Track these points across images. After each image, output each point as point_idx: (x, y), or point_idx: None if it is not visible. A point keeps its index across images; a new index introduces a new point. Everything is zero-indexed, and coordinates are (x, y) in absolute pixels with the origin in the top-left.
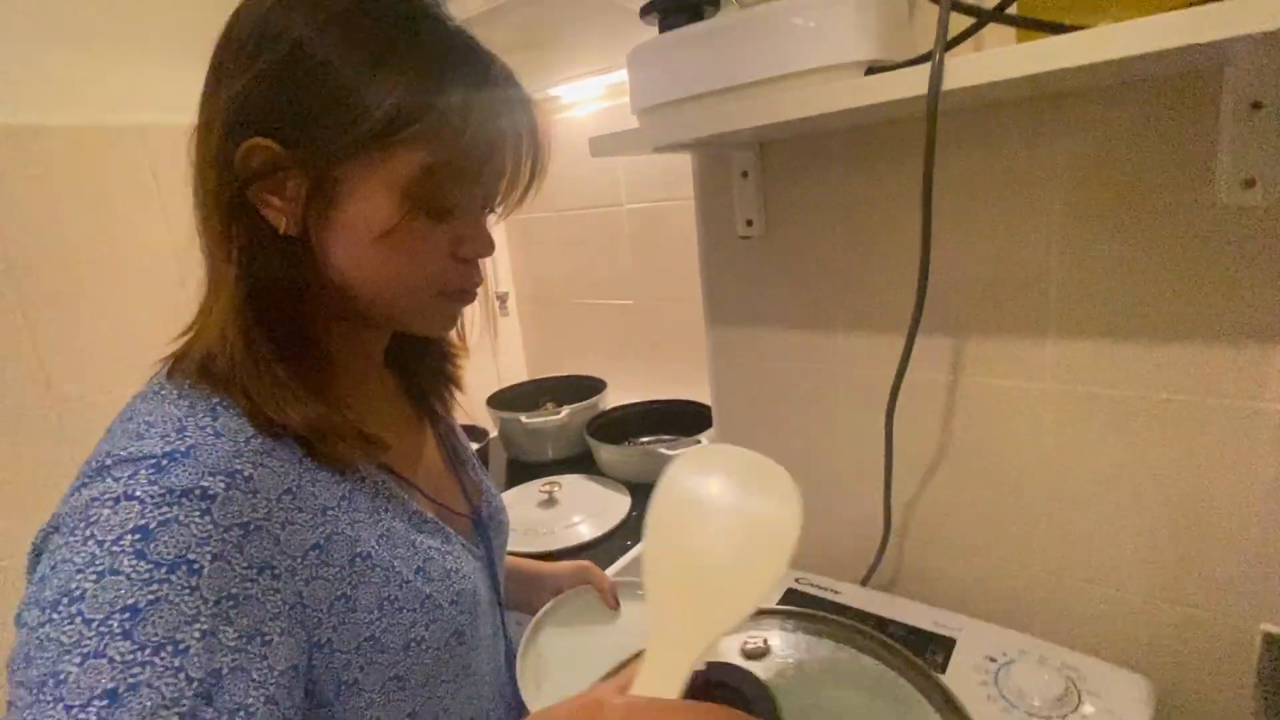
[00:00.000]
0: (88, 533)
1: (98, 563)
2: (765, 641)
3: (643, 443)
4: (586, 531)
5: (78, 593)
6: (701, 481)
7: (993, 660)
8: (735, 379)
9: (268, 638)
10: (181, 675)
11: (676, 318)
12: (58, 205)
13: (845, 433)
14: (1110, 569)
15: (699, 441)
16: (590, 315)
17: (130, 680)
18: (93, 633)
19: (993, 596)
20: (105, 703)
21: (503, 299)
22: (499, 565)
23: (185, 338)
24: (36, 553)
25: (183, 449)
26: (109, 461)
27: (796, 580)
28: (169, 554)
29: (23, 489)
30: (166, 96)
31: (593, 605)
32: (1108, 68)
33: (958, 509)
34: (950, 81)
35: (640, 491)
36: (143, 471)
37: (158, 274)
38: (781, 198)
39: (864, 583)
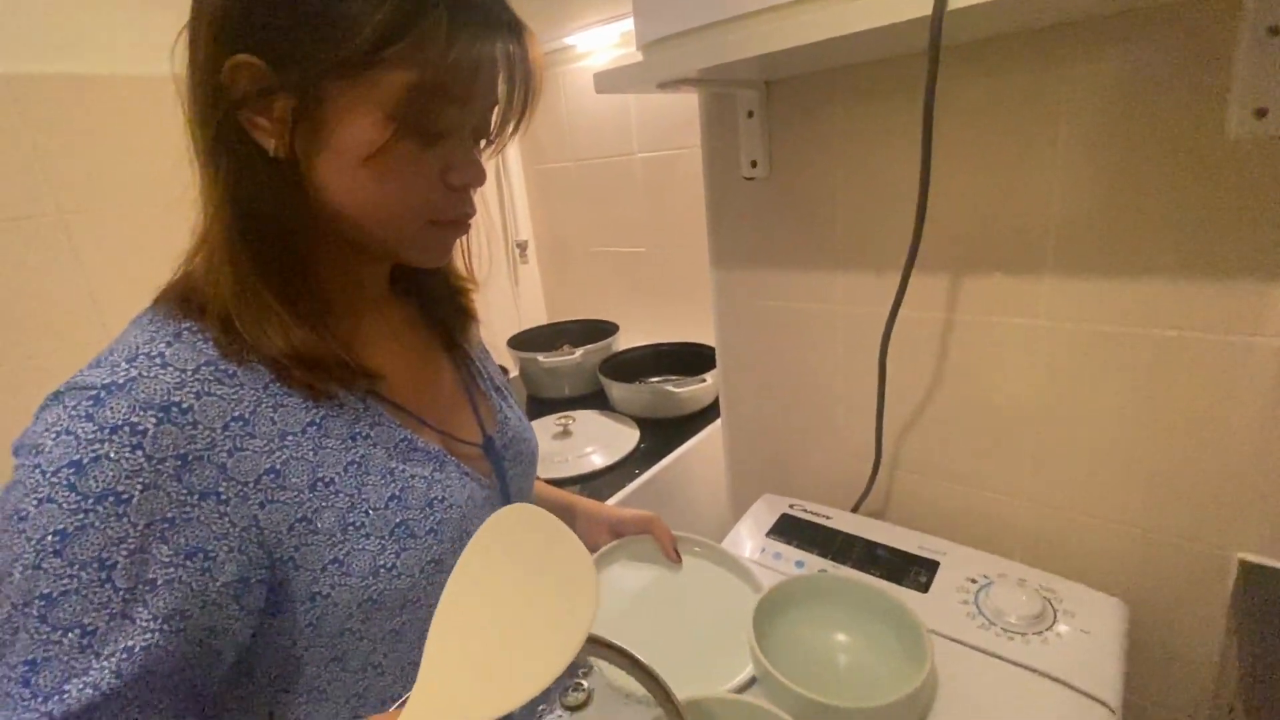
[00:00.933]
0: (36, 461)
1: (39, 490)
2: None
3: (651, 382)
4: (598, 460)
5: (23, 512)
6: (512, 553)
7: (973, 581)
8: (737, 318)
9: (211, 554)
10: (109, 585)
11: (685, 263)
12: (107, 150)
13: (843, 368)
14: (1094, 499)
15: (704, 380)
16: (604, 262)
17: (62, 588)
18: (32, 549)
19: (978, 524)
20: (43, 603)
21: (522, 247)
22: (518, 494)
23: (181, 264)
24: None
25: (120, 381)
26: (64, 388)
27: (790, 506)
28: (96, 488)
29: None
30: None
31: (653, 554)
32: None
33: (947, 441)
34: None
35: (648, 426)
36: (82, 404)
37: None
38: (786, 138)
39: (855, 509)
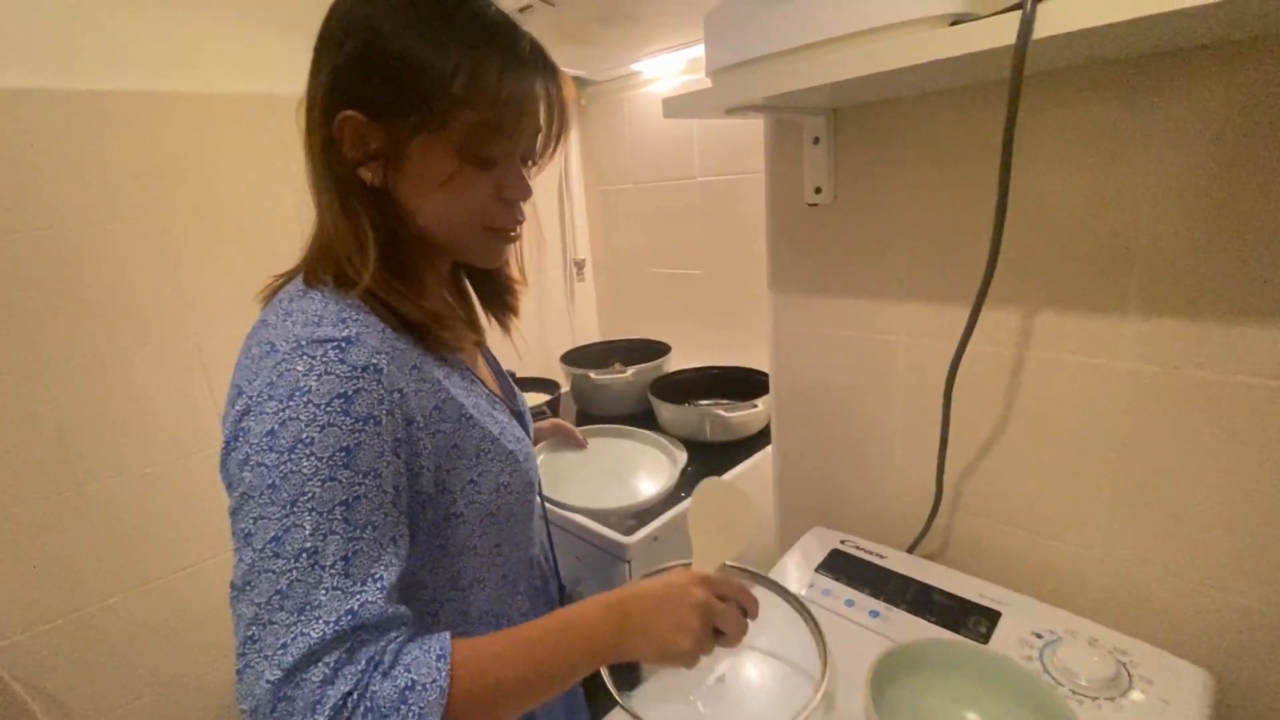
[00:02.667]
0: (306, 399)
1: (319, 419)
2: None
3: (701, 405)
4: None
5: (308, 439)
6: (712, 495)
7: (1039, 636)
8: (795, 345)
9: (415, 471)
10: (381, 490)
11: (740, 288)
12: (197, 162)
13: (903, 401)
14: (1175, 556)
15: (755, 406)
16: (659, 283)
17: (355, 494)
18: (325, 465)
19: (1044, 574)
20: (344, 509)
21: (580, 265)
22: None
23: (302, 260)
24: (242, 413)
25: (353, 335)
26: (302, 343)
27: (842, 542)
28: (363, 412)
29: (166, 405)
30: (290, 69)
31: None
32: (1225, 11)
33: (1014, 484)
34: (1045, 28)
35: (695, 449)
36: (330, 351)
37: (281, 223)
38: (852, 165)
39: (910, 550)
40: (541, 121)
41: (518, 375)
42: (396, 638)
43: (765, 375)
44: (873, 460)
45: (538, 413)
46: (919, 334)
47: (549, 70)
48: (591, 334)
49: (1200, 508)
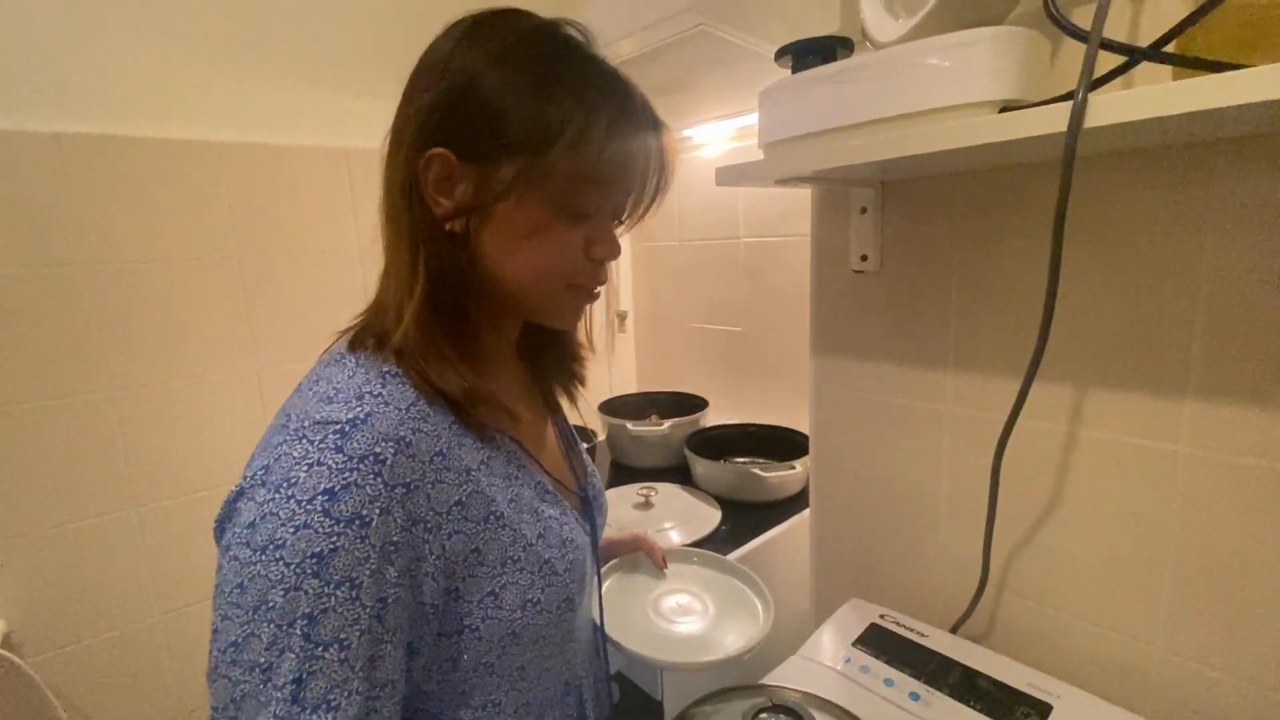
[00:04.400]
0: (289, 492)
1: (295, 518)
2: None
3: (737, 462)
4: (676, 537)
5: (280, 540)
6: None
7: None
8: (837, 409)
9: (417, 578)
10: (358, 603)
11: (780, 346)
12: (273, 208)
13: (946, 472)
14: (1244, 658)
15: (793, 468)
16: (700, 338)
17: (321, 607)
18: (291, 573)
19: (1100, 667)
20: (305, 623)
21: (622, 317)
22: (599, 541)
23: (363, 315)
24: (238, 493)
25: (361, 416)
26: (306, 424)
27: (881, 616)
28: (346, 512)
29: (224, 432)
30: (363, 126)
31: (645, 564)
32: (1271, 109)
33: (1067, 568)
34: (1095, 118)
35: (731, 507)
36: (330, 437)
37: (346, 268)
38: (898, 235)
39: (954, 630)
40: (639, 179)
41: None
42: None
43: (804, 436)
44: (915, 532)
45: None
46: (966, 405)
47: (657, 127)
48: (630, 384)
49: (1270, 609)
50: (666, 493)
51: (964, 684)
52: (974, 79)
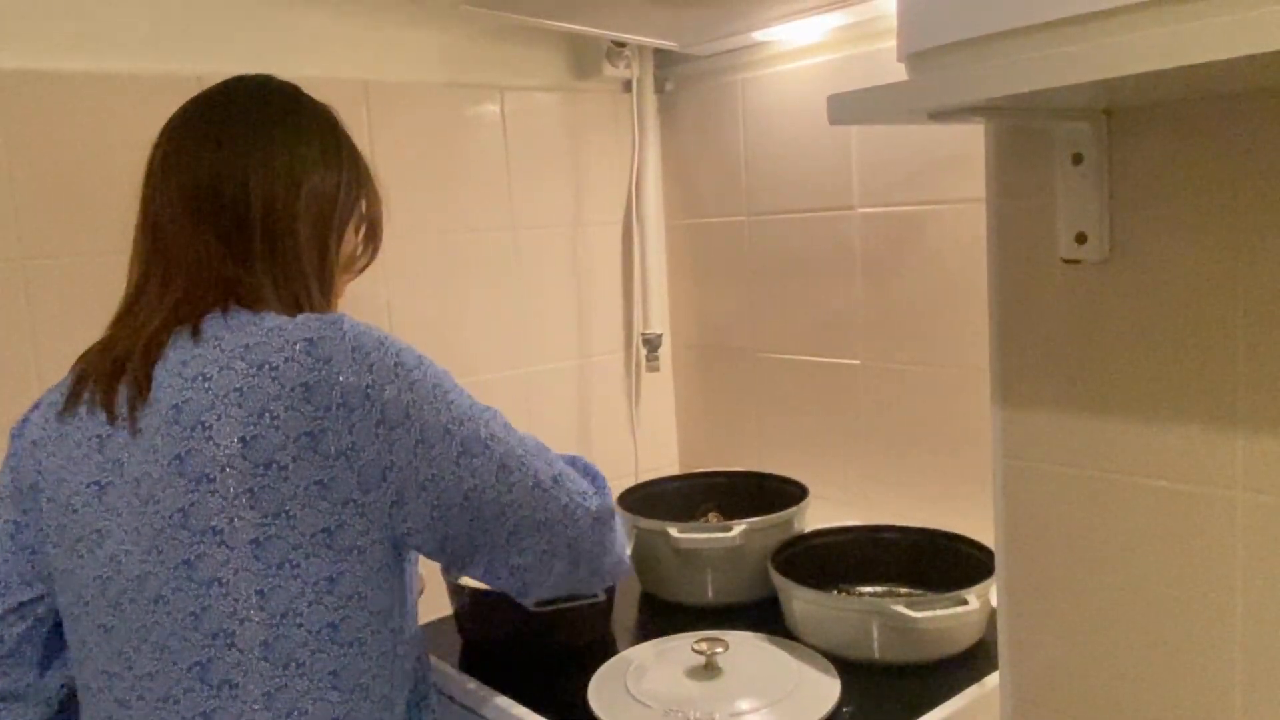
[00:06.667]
0: (419, 358)
1: (436, 368)
2: None
3: (865, 593)
4: None
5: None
6: None
7: None
8: (1042, 500)
9: None
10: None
11: (929, 390)
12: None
13: (1242, 609)
14: None
15: (965, 603)
16: (787, 377)
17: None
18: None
19: None
20: (488, 413)
21: (653, 345)
22: None
23: None
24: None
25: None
26: (383, 337)
27: None
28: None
29: None
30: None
31: None
32: None
33: None
34: None
35: (854, 672)
36: (396, 340)
37: None
38: (1139, 200)
39: None
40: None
41: None
42: None
43: (979, 548)
44: (1190, 704)
45: (584, 604)
46: (1269, 488)
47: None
48: (668, 460)
49: None
50: (743, 648)
51: None
52: None
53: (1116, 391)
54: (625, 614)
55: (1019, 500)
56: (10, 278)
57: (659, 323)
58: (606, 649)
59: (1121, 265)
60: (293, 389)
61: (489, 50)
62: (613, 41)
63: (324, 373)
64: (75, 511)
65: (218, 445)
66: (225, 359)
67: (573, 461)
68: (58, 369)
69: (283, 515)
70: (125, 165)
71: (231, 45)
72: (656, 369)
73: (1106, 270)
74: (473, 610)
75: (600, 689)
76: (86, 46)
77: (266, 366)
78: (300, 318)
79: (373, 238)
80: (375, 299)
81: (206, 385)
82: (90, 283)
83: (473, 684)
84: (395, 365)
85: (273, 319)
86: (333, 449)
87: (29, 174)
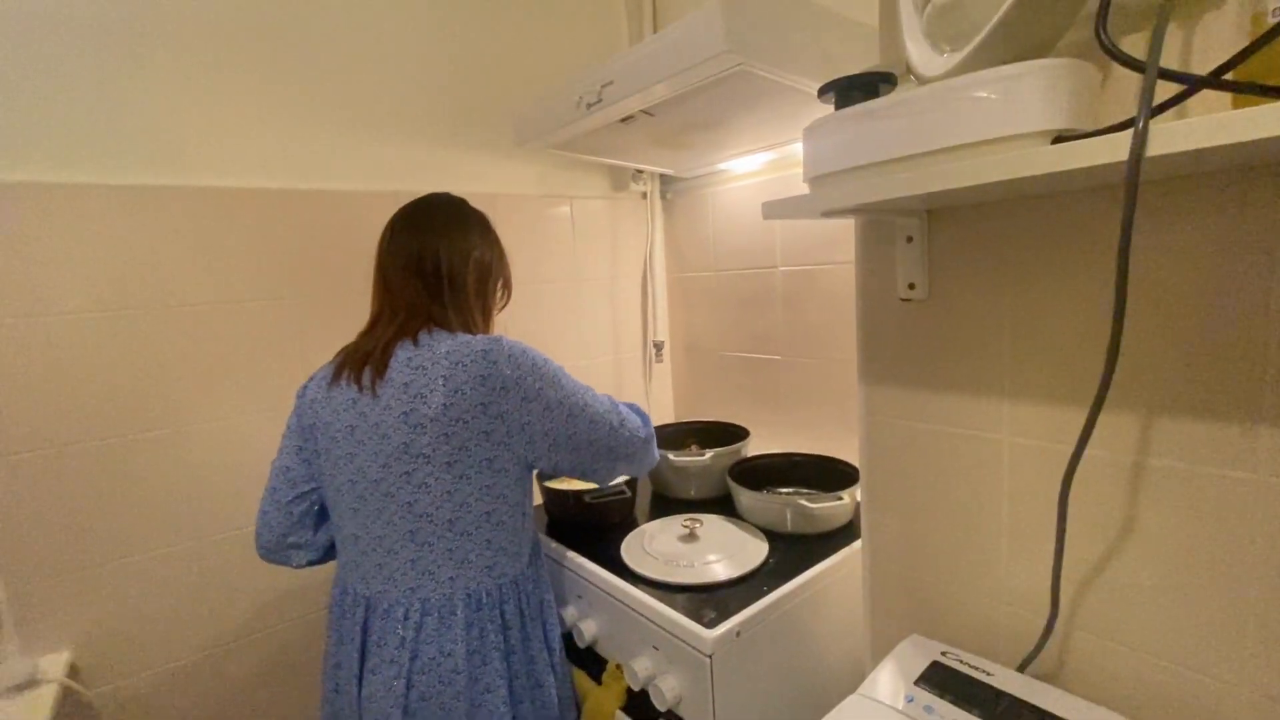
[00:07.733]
0: (545, 360)
1: (552, 365)
2: None
3: (782, 493)
4: (722, 571)
5: (559, 374)
6: None
7: None
8: (888, 439)
9: None
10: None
11: (822, 374)
12: (326, 250)
13: (1008, 504)
14: None
15: (840, 499)
16: (738, 367)
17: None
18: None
19: (1182, 709)
20: (583, 388)
21: (659, 347)
22: None
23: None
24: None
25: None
26: (514, 348)
27: (943, 654)
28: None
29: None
30: (410, 169)
31: None
32: None
33: (1143, 605)
34: (1159, 147)
35: (778, 539)
36: (528, 347)
37: None
38: (947, 263)
39: (1021, 668)
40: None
41: None
42: None
43: (849, 466)
44: (976, 566)
45: (616, 492)
46: (1025, 434)
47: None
48: (668, 414)
49: None
50: (711, 524)
51: None
52: (1026, 110)
53: (931, 376)
54: (642, 504)
55: (874, 438)
56: (290, 308)
57: (664, 333)
58: (631, 524)
59: (936, 303)
60: (474, 377)
61: (564, 174)
62: (635, 169)
63: (492, 369)
64: (337, 442)
65: (429, 406)
66: (434, 357)
67: (633, 407)
68: (318, 358)
69: (464, 449)
70: (350, 244)
71: (424, 172)
72: (661, 361)
73: (926, 306)
74: (554, 502)
75: (627, 547)
76: (330, 173)
77: (460, 364)
78: (478, 336)
79: (508, 289)
80: (507, 321)
81: (423, 372)
82: (326, 310)
83: (555, 544)
84: (532, 365)
85: (461, 336)
86: (495, 412)
87: (300, 251)
